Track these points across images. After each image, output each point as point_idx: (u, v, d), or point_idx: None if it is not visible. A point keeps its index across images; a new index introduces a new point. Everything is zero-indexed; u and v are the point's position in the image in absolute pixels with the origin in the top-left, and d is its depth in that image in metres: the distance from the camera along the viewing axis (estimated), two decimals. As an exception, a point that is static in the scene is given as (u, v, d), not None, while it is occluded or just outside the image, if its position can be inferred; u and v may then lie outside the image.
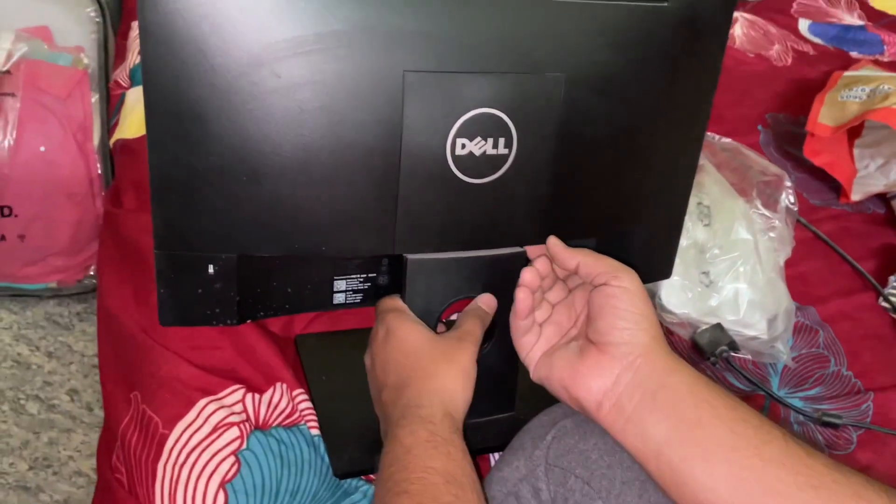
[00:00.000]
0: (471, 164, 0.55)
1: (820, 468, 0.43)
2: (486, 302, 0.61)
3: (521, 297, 0.57)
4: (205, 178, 0.51)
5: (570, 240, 0.62)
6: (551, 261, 0.59)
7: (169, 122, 0.49)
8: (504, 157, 0.55)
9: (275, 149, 0.51)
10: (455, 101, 0.53)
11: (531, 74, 0.54)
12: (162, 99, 0.49)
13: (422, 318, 0.60)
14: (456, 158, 0.54)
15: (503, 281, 0.61)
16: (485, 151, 0.55)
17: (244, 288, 0.56)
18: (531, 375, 0.58)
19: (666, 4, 0.56)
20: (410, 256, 0.58)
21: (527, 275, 0.57)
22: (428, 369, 0.55)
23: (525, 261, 0.61)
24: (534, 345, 0.58)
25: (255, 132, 0.50)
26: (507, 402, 0.67)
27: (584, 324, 0.56)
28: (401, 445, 0.50)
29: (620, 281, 0.52)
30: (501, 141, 0.55)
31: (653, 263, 0.69)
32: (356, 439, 0.65)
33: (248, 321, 0.58)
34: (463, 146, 0.54)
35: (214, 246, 0.54)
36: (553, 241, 0.58)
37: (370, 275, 0.62)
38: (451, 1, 0.51)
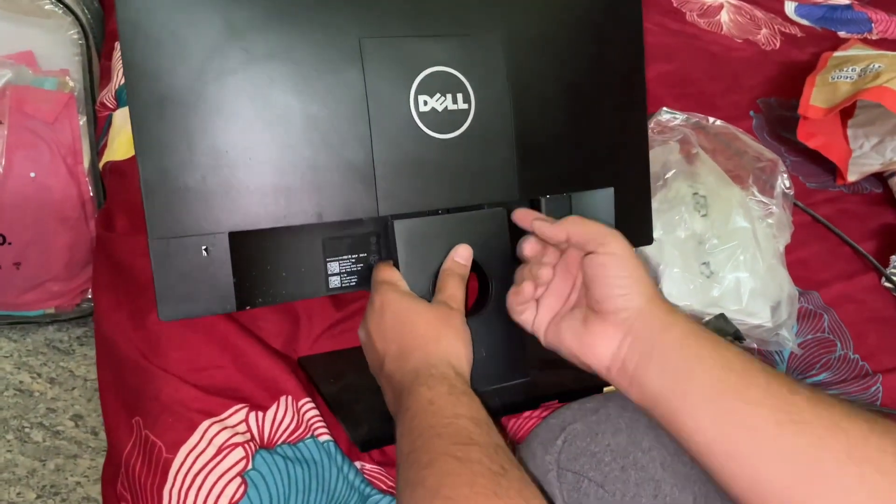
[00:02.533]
0: (436, 119, 0.61)
1: (802, 404, 0.45)
2: (462, 255, 0.62)
3: (527, 288, 0.59)
4: (187, 156, 0.55)
5: (546, 195, 0.68)
6: (540, 237, 0.60)
7: (150, 106, 0.53)
8: (465, 112, 0.62)
9: (252, 121, 0.56)
10: (410, 62, 0.60)
11: (470, 36, 0.62)
12: (142, 84, 0.53)
13: (417, 283, 0.61)
14: (421, 115, 0.60)
15: (490, 237, 0.63)
16: (446, 107, 0.61)
17: (240, 271, 0.58)
18: (542, 342, 0.59)
19: None
20: (397, 222, 0.60)
21: (526, 249, 0.60)
22: (429, 335, 0.56)
23: (507, 214, 0.63)
24: (535, 317, 0.59)
25: (231, 107, 0.55)
26: (519, 367, 0.66)
27: (582, 288, 0.57)
28: (423, 399, 0.51)
29: (608, 247, 0.54)
30: (460, 96, 0.61)
31: (630, 228, 0.71)
32: (371, 414, 0.65)
33: (248, 307, 0.60)
34: (425, 102, 0.60)
35: (205, 225, 0.56)
36: (538, 223, 0.59)
37: (361, 255, 0.63)
38: None
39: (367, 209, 0.60)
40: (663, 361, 0.50)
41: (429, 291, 0.61)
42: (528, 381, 0.66)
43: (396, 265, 0.61)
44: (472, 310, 0.63)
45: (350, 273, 0.63)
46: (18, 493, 1.15)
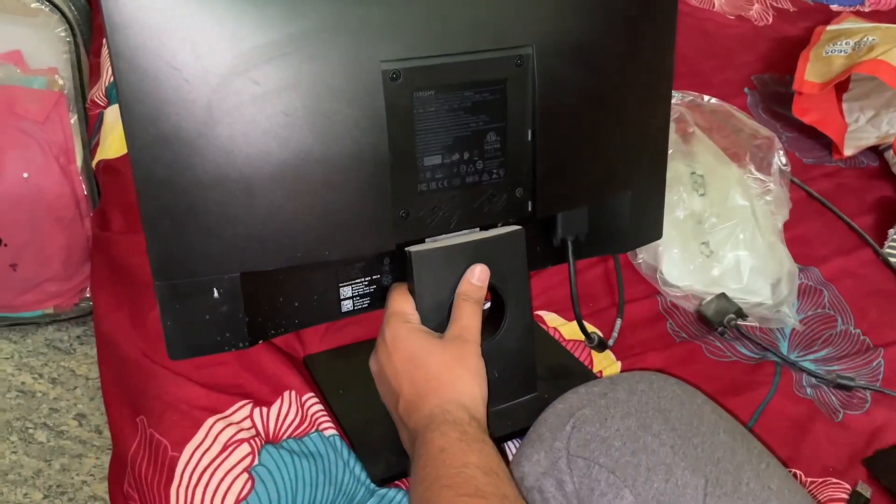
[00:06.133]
0: None
1: None
2: (478, 276, 0.60)
3: None
4: (196, 198, 0.50)
5: (564, 210, 0.64)
6: None
7: (152, 146, 0.48)
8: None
9: (264, 158, 0.51)
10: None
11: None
12: (142, 123, 0.48)
13: (434, 310, 0.59)
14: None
15: (506, 260, 0.62)
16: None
17: (251, 307, 0.55)
18: None
19: None
20: (413, 250, 0.58)
21: None
22: (443, 378, 0.55)
23: (524, 238, 0.61)
24: None
25: (241, 143, 0.50)
26: (529, 383, 0.66)
27: None
28: (434, 446, 0.51)
29: None
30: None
31: (643, 226, 0.71)
32: (387, 445, 0.64)
33: (261, 341, 0.57)
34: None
35: (216, 267, 0.53)
36: None
37: (374, 277, 0.61)
38: None
39: (385, 242, 0.57)
40: None
41: (444, 319, 0.60)
42: (536, 395, 0.66)
43: (411, 289, 0.59)
44: (486, 331, 0.61)
45: (363, 296, 0.62)
46: (25, 494, 1.15)
